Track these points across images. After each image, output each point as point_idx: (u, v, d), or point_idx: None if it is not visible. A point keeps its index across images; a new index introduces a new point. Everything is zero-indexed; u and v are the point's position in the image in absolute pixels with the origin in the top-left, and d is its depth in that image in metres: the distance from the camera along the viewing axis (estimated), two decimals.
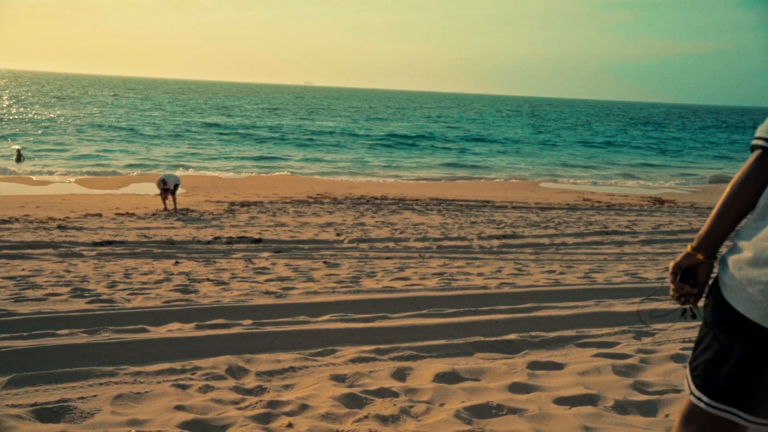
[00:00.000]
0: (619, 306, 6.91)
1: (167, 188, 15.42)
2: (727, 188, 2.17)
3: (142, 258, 9.67)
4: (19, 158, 28.27)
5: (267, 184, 22.65)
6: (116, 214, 14.70)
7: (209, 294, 7.13)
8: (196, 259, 9.61)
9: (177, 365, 4.54)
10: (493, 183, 26.75)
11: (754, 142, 2.11)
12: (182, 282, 7.84)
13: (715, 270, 2.24)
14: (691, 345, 5.29)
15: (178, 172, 24.83)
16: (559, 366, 4.70)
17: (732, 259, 2.10)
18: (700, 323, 2.21)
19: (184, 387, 4.12)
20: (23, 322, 5.61)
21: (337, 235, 12.28)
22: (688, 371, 2.22)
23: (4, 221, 12.93)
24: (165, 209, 15.46)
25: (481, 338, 5.43)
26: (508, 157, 39.10)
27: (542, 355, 5.00)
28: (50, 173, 23.82)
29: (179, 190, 18.51)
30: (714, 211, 2.19)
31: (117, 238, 11.35)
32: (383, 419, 3.65)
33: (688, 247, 2.22)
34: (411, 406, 3.83)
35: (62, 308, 6.26)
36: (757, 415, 2.06)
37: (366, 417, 3.67)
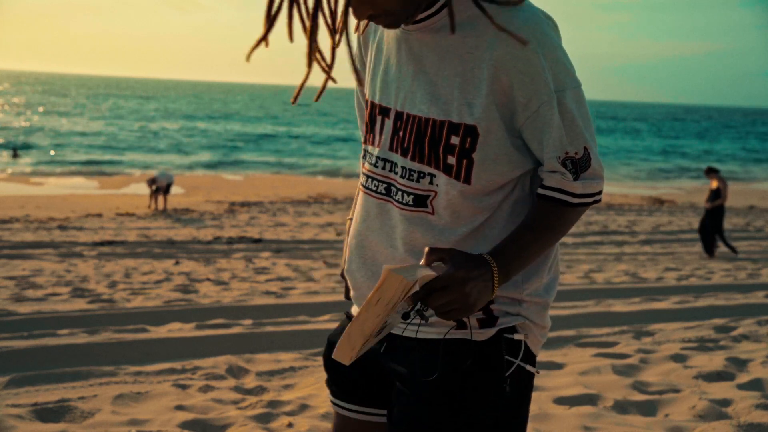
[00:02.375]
0: (619, 306, 6.92)
1: (159, 186, 15.27)
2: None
3: (142, 258, 9.68)
4: (15, 155, 28.28)
5: (267, 184, 22.66)
6: (117, 214, 14.71)
7: (209, 294, 7.14)
8: (197, 259, 9.61)
9: (177, 365, 4.54)
10: None
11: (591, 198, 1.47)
12: (182, 282, 7.84)
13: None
14: (691, 345, 5.29)
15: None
16: (559, 366, 4.71)
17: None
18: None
19: (184, 387, 4.12)
20: (23, 322, 5.61)
21: (338, 234, 12.29)
22: None
23: (5, 221, 12.94)
24: (149, 207, 15.35)
25: None
26: None
27: (542, 355, 5.00)
28: (50, 173, 23.83)
29: (177, 190, 18.47)
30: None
31: (117, 238, 11.35)
32: None
33: (496, 284, 1.37)
34: None
35: (62, 308, 6.27)
36: None
37: None
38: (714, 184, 11.83)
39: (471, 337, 1.45)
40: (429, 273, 1.30)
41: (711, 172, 12.07)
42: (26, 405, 3.72)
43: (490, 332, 1.45)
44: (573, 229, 13.82)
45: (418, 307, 1.32)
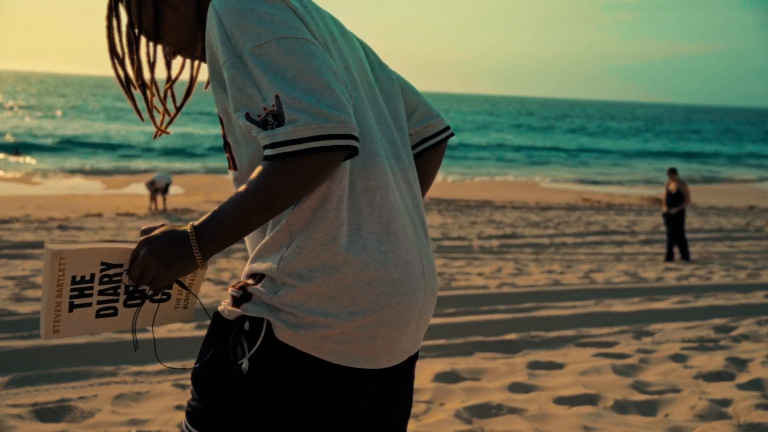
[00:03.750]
0: (619, 306, 6.92)
1: (157, 188, 15.31)
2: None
3: None
4: (17, 155, 28.30)
5: None
6: (117, 214, 14.71)
7: (209, 294, 7.14)
8: None
9: (177, 365, 4.54)
10: (493, 183, 26.76)
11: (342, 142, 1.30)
12: None
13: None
14: (691, 345, 5.29)
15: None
16: (558, 366, 4.71)
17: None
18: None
19: (184, 387, 4.12)
20: (23, 322, 5.61)
21: None
22: None
23: (5, 221, 12.94)
24: (149, 209, 15.38)
25: (481, 338, 5.43)
26: (509, 158, 39.11)
27: (542, 355, 5.00)
28: (50, 173, 23.85)
29: (177, 190, 18.47)
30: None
31: (117, 238, 11.35)
32: None
33: (196, 252, 1.35)
34: None
35: None
36: None
37: None
38: (672, 186, 11.49)
39: (225, 313, 1.42)
40: (128, 247, 1.40)
41: (673, 173, 11.66)
42: (26, 405, 3.72)
43: (235, 313, 1.40)
44: (573, 229, 13.82)
45: (131, 283, 1.39)
